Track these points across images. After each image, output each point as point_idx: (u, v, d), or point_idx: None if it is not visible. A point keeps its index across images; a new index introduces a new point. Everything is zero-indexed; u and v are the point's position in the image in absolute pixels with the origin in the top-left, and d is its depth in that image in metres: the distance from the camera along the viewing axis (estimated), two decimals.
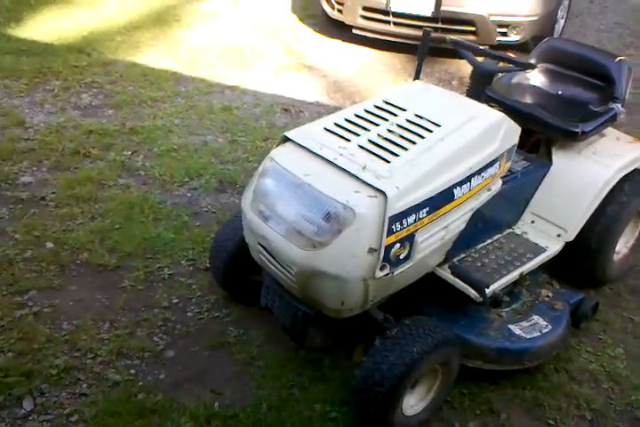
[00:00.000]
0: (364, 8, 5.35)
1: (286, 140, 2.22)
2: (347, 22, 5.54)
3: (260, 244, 2.20)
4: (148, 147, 3.94)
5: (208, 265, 2.84)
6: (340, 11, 5.54)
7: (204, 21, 5.93)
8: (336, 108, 4.42)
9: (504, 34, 5.13)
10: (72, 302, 2.73)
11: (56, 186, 3.47)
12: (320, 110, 4.50)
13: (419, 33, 4.95)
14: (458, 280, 2.38)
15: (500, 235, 2.73)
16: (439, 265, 2.41)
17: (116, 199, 3.39)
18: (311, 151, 2.11)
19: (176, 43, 5.45)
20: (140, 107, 4.43)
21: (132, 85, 4.71)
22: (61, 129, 4.03)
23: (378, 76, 5.25)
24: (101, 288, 2.82)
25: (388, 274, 2.05)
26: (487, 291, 2.34)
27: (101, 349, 2.50)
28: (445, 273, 2.41)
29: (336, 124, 2.23)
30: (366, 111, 2.28)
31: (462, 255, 2.56)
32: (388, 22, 5.28)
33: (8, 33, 5.44)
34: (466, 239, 2.40)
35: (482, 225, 2.50)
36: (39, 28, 5.55)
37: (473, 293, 2.34)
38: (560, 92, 3.02)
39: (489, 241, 2.68)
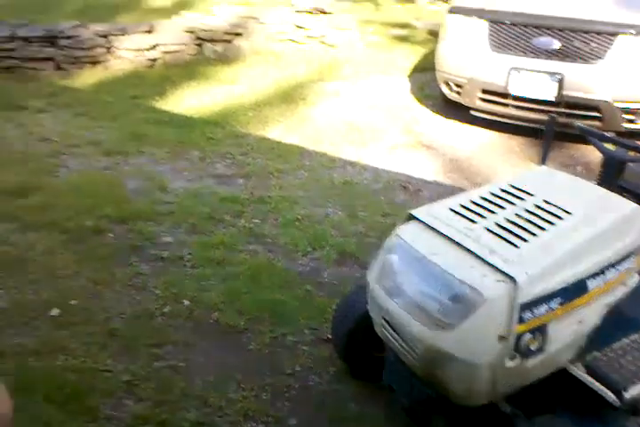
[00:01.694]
0: (484, 91, 5.47)
1: (411, 217, 2.28)
2: (465, 104, 5.69)
3: (384, 318, 2.25)
4: (274, 216, 4.21)
5: (329, 336, 2.94)
6: (458, 93, 5.68)
7: (327, 100, 6.33)
8: (454, 188, 4.55)
9: (631, 121, 5.01)
10: (204, 359, 2.92)
11: (192, 247, 3.77)
12: (439, 189, 4.62)
13: (539, 116, 5.10)
14: (594, 380, 2.25)
15: (637, 334, 2.62)
16: (572, 362, 2.31)
17: (245, 264, 3.63)
18: (437, 231, 2.15)
19: (301, 119, 5.85)
20: (268, 178, 4.75)
21: (261, 157, 5.08)
22: (198, 195, 4.40)
23: (496, 157, 5.34)
24: (230, 348, 2.99)
25: (518, 365, 2.01)
26: (625, 395, 2.21)
27: (230, 408, 2.64)
28: (579, 371, 2.29)
29: (461, 205, 2.26)
30: (492, 194, 2.29)
31: (597, 353, 2.47)
32: (507, 105, 5.38)
33: (153, 105, 6.10)
34: (601, 336, 2.31)
35: (618, 322, 2.43)
36: (180, 102, 6.17)
37: (611, 396, 2.19)
38: None
39: (626, 341, 2.57)
